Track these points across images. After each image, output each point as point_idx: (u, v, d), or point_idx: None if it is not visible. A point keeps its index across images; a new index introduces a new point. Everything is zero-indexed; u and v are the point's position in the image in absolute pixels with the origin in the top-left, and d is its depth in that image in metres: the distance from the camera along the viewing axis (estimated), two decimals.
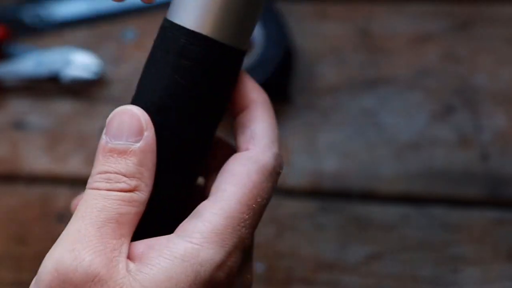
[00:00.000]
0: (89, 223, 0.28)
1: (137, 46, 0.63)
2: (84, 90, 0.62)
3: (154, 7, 0.62)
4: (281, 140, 0.57)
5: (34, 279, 0.28)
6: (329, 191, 0.55)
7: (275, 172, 0.31)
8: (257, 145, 0.31)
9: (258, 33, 0.57)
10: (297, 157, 0.56)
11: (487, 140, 0.54)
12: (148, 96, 0.31)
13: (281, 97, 0.58)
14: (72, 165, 0.57)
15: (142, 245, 0.29)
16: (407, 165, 0.55)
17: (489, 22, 0.58)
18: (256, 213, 0.30)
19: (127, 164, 0.29)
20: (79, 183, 0.57)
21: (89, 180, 0.30)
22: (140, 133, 0.30)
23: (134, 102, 0.32)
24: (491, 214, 0.53)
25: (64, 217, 0.55)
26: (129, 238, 0.29)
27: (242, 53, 0.32)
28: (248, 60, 0.56)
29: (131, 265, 0.28)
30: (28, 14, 0.65)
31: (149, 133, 0.30)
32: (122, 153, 0.30)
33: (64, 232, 0.28)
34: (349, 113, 0.57)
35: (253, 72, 0.56)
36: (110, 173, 0.29)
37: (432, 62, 0.58)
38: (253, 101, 0.33)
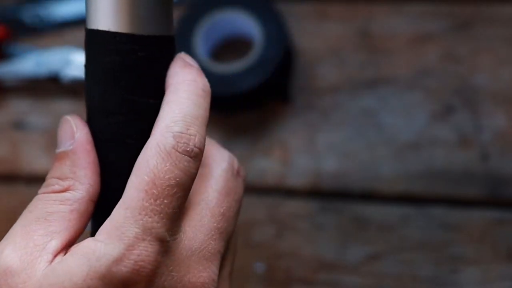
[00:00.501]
0: (18, 224, 0.30)
1: None
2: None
3: None
4: (281, 140, 0.57)
5: None
6: (329, 191, 0.55)
7: (176, 151, 0.29)
8: (157, 129, 0.30)
9: (258, 33, 0.57)
10: (297, 157, 0.56)
11: (487, 140, 0.54)
12: (89, 99, 0.32)
13: (281, 97, 0.58)
14: None
15: (75, 244, 0.30)
16: (407, 165, 0.55)
17: (489, 22, 0.58)
18: (162, 197, 0.28)
19: (62, 168, 0.31)
20: None
21: None
22: (72, 136, 0.31)
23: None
24: (491, 214, 0.53)
25: None
26: (64, 234, 0.29)
27: (164, 39, 0.32)
28: (248, 60, 0.56)
29: (57, 260, 0.29)
30: (28, 14, 0.65)
31: (80, 134, 0.31)
32: (60, 159, 0.31)
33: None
34: (349, 113, 0.57)
35: (253, 72, 0.56)
36: (48, 179, 0.31)
37: (432, 62, 0.58)
38: (167, 84, 0.32)
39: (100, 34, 0.31)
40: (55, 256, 0.29)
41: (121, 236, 0.28)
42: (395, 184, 0.54)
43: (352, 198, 0.55)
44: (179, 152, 0.29)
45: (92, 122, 0.32)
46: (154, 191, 0.28)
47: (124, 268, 0.28)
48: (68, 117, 0.32)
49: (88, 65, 0.32)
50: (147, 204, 0.28)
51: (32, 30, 0.64)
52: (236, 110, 0.59)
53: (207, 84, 0.32)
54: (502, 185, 0.53)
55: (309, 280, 0.53)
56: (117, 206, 0.29)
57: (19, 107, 0.63)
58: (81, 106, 0.62)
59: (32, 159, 0.59)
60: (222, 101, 0.58)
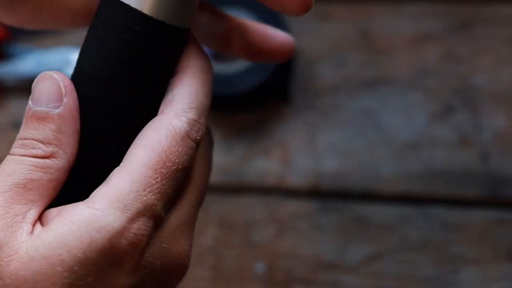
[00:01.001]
0: None
1: None
2: None
3: None
4: (281, 140, 0.57)
5: None
6: (329, 191, 0.55)
7: (188, 138, 0.30)
8: (172, 109, 0.30)
9: None
10: (297, 157, 0.56)
11: (487, 140, 0.54)
12: (81, 65, 0.31)
13: (281, 97, 0.58)
14: None
15: (55, 211, 0.29)
16: (407, 165, 0.55)
17: (489, 22, 0.58)
18: (167, 178, 0.29)
19: (44, 130, 0.29)
20: None
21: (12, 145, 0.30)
22: (59, 99, 0.29)
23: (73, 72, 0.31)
24: (491, 214, 0.53)
25: None
26: (41, 204, 0.29)
27: (182, 31, 0.31)
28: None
29: (38, 230, 0.28)
30: None
31: (69, 99, 0.30)
32: (41, 119, 0.29)
33: None
34: (349, 113, 0.57)
35: (253, 72, 0.56)
36: (28, 139, 0.29)
37: (432, 62, 0.58)
38: (183, 66, 0.31)
39: (121, 6, 0.30)
40: (33, 226, 0.28)
41: (124, 208, 0.28)
42: (395, 184, 0.54)
43: (352, 198, 0.55)
44: (190, 139, 0.30)
45: (79, 87, 0.31)
46: (163, 170, 0.29)
47: (124, 241, 0.27)
48: (54, 75, 0.30)
49: (93, 31, 0.31)
50: (153, 181, 0.28)
51: (32, 30, 0.64)
52: (236, 110, 0.59)
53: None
54: (502, 185, 0.53)
55: (309, 280, 0.53)
56: (119, 176, 0.28)
57: (19, 107, 0.63)
58: None
59: None
60: (222, 101, 0.58)
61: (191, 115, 0.30)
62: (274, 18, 0.57)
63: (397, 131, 0.56)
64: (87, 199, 0.28)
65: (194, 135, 0.30)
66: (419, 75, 0.57)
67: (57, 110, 0.29)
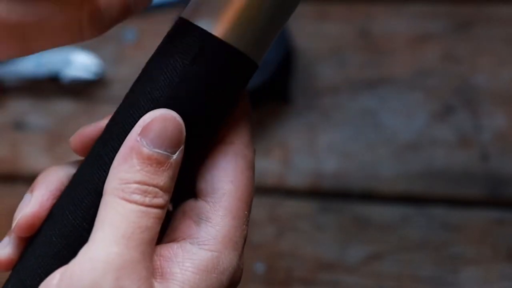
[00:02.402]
0: (132, 247, 0.25)
1: (137, 46, 0.63)
2: (84, 90, 0.62)
3: (154, 8, 0.62)
4: (281, 140, 0.57)
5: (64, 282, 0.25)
6: (329, 191, 0.55)
7: (254, 167, 0.32)
8: (241, 139, 0.31)
9: None
10: (297, 157, 0.56)
11: (487, 140, 0.54)
12: (151, 93, 0.29)
13: (281, 97, 0.58)
14: None
15: (155, 257, 0.27)
16: (407, 165, 0.55)
17: (489, 22, 0.58)
18: (250, 208, 0.30)
19: (164, 177, 0.27)
20: None
21: (121, 186, 0.26)
22: (179, 144, 0.27)
23: (136, 95, 0.30)
24: (491, 214, 0.53)
25: None
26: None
27: (255, 66, 0.30)
28: None
29: (155, 284, 0.26)
30: None
31: (183, 145, 0.28)
32: (161, 163, 0.27)
33: (98, 249, 0.25)
34: (349, 113, 0.57)
35: None
36: (148, 185, 0.26)
37: (432, 62, 0.58)
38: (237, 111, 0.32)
39: (199, 31, 0.28)
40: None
41: (236, 246, 0.28)
42: (395, 184, 0.54)
43: (352, 198, 0.55)
44: (254, 166, 0.32)
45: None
46: (250, 202, 0.30)
47: (239, 276, 0.29)
48: (177, 118, 0.27)
49: (163, 55, 0.29)
50: (246, 213, 0.30)
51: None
52: None
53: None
54: (502, 185, 0.53)
55: (309, 280, 0.53)
56: (220, 214, 0.28)
57: (19, 107, 0.63)
58: (81, 106, 0.62)
59: (32, 159, 0.59)
60: None
61: (253, 147, 0.32)
62: None
63: (397, 131, 0.56)
64: (190, 239, 0.28)
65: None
66: (419, 75, 0.57)
67: (175, 156, 0.27)
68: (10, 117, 0.62)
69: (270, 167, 0.56)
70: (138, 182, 0.26)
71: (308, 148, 0.57)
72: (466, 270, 0.52)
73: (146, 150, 0.27)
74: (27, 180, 0.59)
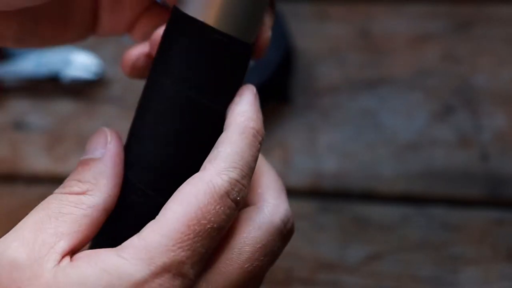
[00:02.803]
0: (28, 219, 0.29)
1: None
2: (84, 90, 0.62)
3: None
4: (281, 140, 0.57)
5: None
6: (329, 191, 0.55)
7: (228, 197, 0.29)
8: (215, 166, 0.29)
9: None
10: (297, 157, 0.56)
11: (487, 140, 0.54)
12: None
13: (281, 97, 0.58)
14: (72, 165, 0.57)
15: (88, 251, 0.29)
16: (407, 165, 0.55)
17: (489, 22, 0.58)
18: (201, 236, 0.28)
19: (84, 171, 0.30)
20: None
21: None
22: (104, 146, 0.31)
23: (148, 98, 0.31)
24: (491, 214, 0.53)
25: None
26: (72, 238, 0.29)
27: (249, 46, 0.31)
28: None
29: (65, 262, 0.28)
30: None
31: (112, 144, 0.31)
32: (84, 164, 0.31)
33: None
34: (349, 113, 0.57)
35: (253, 72, 0.56)
36: (68, 180, 0.30)
37: (432, 62, 0.58)
38: (233, 123, 0.31)
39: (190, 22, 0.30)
40: (63, 257, 0.28)
41: (150, 261, 0.27)
42: (395, 184, 0.54)
43: (352, 198, 0.55)
44: (230, 199, 0.29)
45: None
46: (196, 228, 0.28)
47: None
48: (105, 128, 0.32)
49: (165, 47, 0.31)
50: (185, 238, 0.28)
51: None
52: None
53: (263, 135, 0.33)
54: (502, 185, 0.53)
55: (309, 280, 0.53)
56: (152, 229, 0.28)
57: (19, 107, 0.63)
58: (81, 106, 0.62)
59: (32, 159, 0.59)
60: None
61: (234, 174, 0.29)
62: (274, 19, 0.57)
63: (397, 131, 0.56)
64: (119, 246, 0.28)
65: (235, 196, 0.29)
66: (419, 75, 0.57)
67: (99, 154, 0.31)
68: (10, 117, 0.62)
69: None
70: (64, 181, 0.31)
71: (308, 148, 0.57)
72: (466, 270, 0.52)
73: (80, 159, 0.32)
74: (27, 180, 0.59)
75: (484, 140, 0.55)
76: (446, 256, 0.52)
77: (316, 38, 0.60)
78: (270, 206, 0.32)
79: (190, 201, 0.28)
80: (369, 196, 0.55)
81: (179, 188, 0.29)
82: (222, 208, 0.28)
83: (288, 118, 0.58)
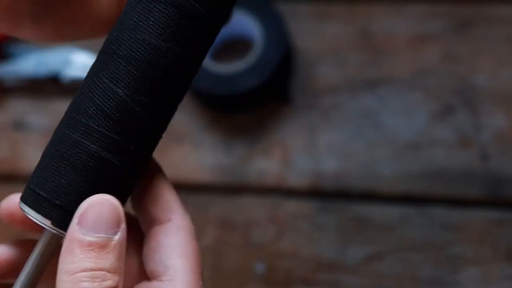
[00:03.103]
0: None
1: None
2: None
3: None
4: (281, 140, 0.57)
5: None
6: (329, 191, 0.55)
7: (195, 234, 0.33)
8: (176, 213, 0.32)
9: (258, 34, 0.57)
10: (297, 157, 0.56)
11: (487, 140, 0.54)
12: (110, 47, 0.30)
13: (281, 97, 0.58)
14: None
15: None
16: (407, 165, 0.55)
17: (489, 22, 0.58)
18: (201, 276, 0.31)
19: (109, 259, 0.28)
20: None
21: (69, 278, 0.28)
22: (118, 225, 0.29)
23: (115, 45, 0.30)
24: (491, 214, 0.53)
25: None
26: None
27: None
28: (248, 60, 0.56)
29: None
30: None
31: (125, 224, 0.29)
32: (103, 247, 0.28)
33: None
34: (349, 113, 0.57)
35: (253, 72, 0.56)
36: (95, 270, 0.28)
37: (432, 62, 0.58)
38: (151, 172, 0.33)
39: None
40: None
41: None
42: (395, 184, 0.54)
43: (352, 198, 0.55)
44: None
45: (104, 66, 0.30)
46: (201, 270, 0.31)
47: None
48: (112, 200, 0.29)
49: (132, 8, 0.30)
50: (201, 283, 0.31)
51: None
52: (236, 110, 0.59)
53: None
54: (502, 185, 0.53)
55: (309, 280, 0.53)
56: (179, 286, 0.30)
57: (19, 107, 0.63)
58: None
59: (32, 159, 0.59)
60: (222, 101, 0.58)
61: (187, 214, 0.32)
62: (274, 19, 0.57)
63: (397, 131, 0.56)
64: None
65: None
66: (419, 75, 0.57)
67: (117, 237, 0.29)
68: (10, 117, 0.62)
69: (270, 167, 0.56)
70: (84, 270, 0.28)
71: (308, 148, 0.57)
72: (466, 270, 0.52)
73: (86, 237, 0.28)
74: (27, 180, 0.59)
75: (484, 140, 0.55)
76: (446, 256, 0.52)
77: (316, 38, 0.60)
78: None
79: (188, 250, 0.31)
80: (369, 196, 0.55)
81: (162, 244, 0.31)
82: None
83: (288, 118, 0.58)
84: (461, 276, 0.51)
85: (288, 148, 0.57)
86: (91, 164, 0.29)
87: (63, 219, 0.29)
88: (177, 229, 0.31)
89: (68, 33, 0.33)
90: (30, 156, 0.60)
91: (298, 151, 0.57)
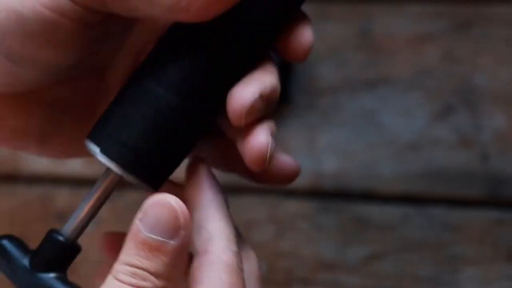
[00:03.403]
0: None
1: None
2: None
3: None
4: (281, 140, 0.57)
5: None
6: (329, 191, 0.55)
7: (239, 269, 0.31)
8: (215, 246, 0.30)
9: None
10: (297, 157, 0.56)
11: (487, 140, 0.54)
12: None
13: (281, 97, 0.58)
14: (72, 165, 0.57)
15: None
16: (407, 165, 0.55)
17: (489, 22, 0.58)
18: None
19: (157, 262, 0.28)
20: (79, 183, 0.57)
21: (116, 267, 0.28)
22: (176, 231, 0.28)
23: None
24: (491, 214, 0.53)
25: (64, 217, 0.55)
26: None
27: None
28: None
29: None
30: None
31: (187, 232, 0.29)
32: (155, 249, 0.28)
33: None
34: (349, 113, 0.57)
35: None
36: (138, 268, 0.28)
37: (432, 62, 0.58)
38: (205, 199, 0.32)
39: None
40: None
41: None
42: (395, 184, 0.54)
43: (352, 198, 0.55)
44: (240, 269, 0.31)
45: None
46: None
47: None
48: (172, 203, 0.28)
49: None
50: None
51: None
52: None
53: None
54: (502, 185, 0.53)
55: (309, 280, 0.53)
56: None
57: None
58: None
59: (32, 159, 0.59)
60: None
61: (234, 247, 0.31)
62: None
63: (397, 131, 0.56)
64: None
65: (240, 265, 0.31)
66: (419, 75, 0.57)
67: (173, 242, 0.28)
68: None
69: None
70: (129, 264, 0.28)
71: (308, 148, 0.57)
72: (466, 270, 0.52)
73: (141, 234, 0.28)
74: (27, 180, 0.59)
75: (484, 140, 0.55)
76: (446, 256, 0.52)
77: (316, 38, 0.60)
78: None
79: (218, 286, 0.29)
80: (369, 196, 0.55)
81: (195, 279, 0.30)
82: (239, 280, 0.30)
83: (288, 118, 0.58)
84: (461, 276, 0.51)
85: (288, 148, 0.57)
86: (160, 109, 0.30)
87: (125, 157, 0.29)
88: (211, 264, 0.30)
89: (75, 152, 0.33)
90: (30, 156, 0.60)
91: (298, 151, 0.57)
